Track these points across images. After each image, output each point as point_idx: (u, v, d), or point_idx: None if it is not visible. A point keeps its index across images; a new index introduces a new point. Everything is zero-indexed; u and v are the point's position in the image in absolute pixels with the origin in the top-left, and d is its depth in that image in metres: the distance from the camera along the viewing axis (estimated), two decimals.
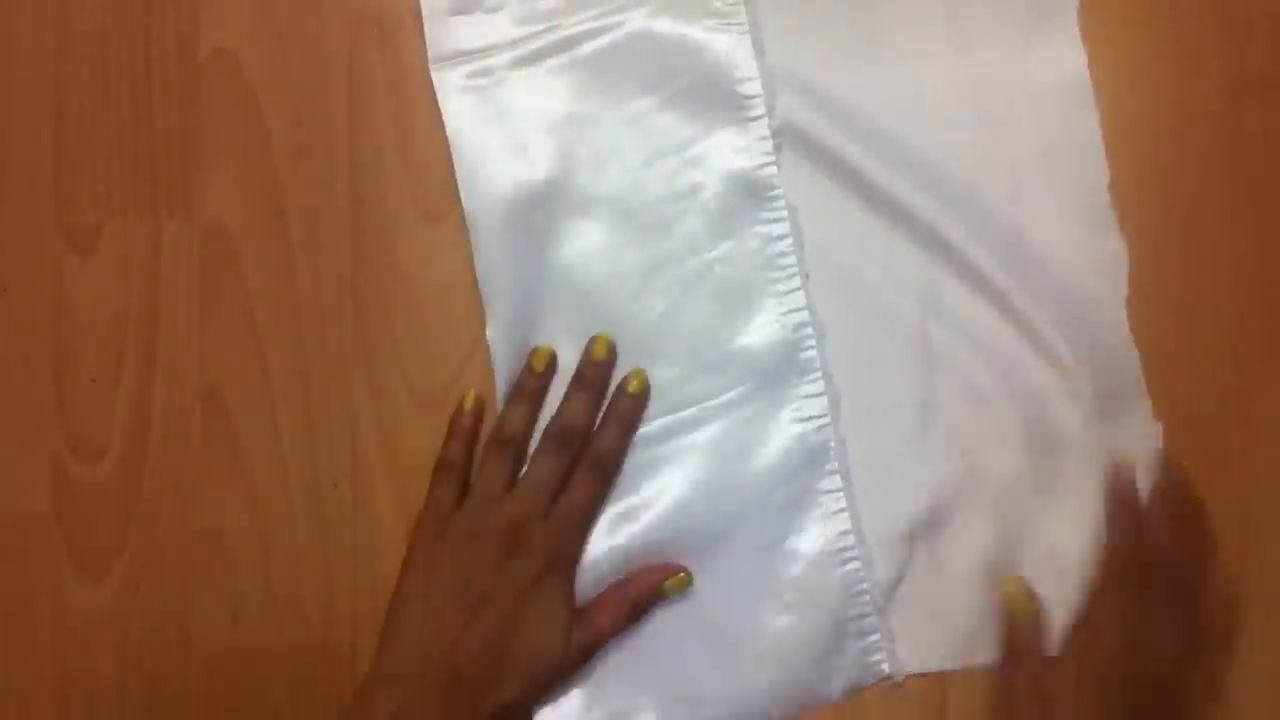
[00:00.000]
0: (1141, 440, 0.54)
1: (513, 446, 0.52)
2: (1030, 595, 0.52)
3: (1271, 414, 0.54)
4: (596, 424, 0.53)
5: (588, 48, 0.55)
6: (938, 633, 0.53)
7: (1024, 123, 0.55)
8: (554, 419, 0.53)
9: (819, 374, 0.54)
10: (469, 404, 0.54)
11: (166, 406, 0.54)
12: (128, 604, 0.54)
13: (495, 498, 0.52)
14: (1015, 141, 0.55)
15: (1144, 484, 0.53)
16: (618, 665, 0.52)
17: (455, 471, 0.53)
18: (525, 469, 0.53)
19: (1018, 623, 0.51)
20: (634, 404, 0.53)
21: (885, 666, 0.52)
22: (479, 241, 0.54)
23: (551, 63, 0.55)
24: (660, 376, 0.54)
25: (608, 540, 0.53)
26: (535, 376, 0.53)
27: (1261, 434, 0.54)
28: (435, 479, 0.53)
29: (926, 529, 0.53)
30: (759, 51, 0.55)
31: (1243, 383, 0.54)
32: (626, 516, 0.53)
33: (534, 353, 0.53)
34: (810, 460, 0.53)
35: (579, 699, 0.52)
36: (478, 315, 0.54)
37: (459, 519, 0.51)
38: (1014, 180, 0.55)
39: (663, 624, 0.52)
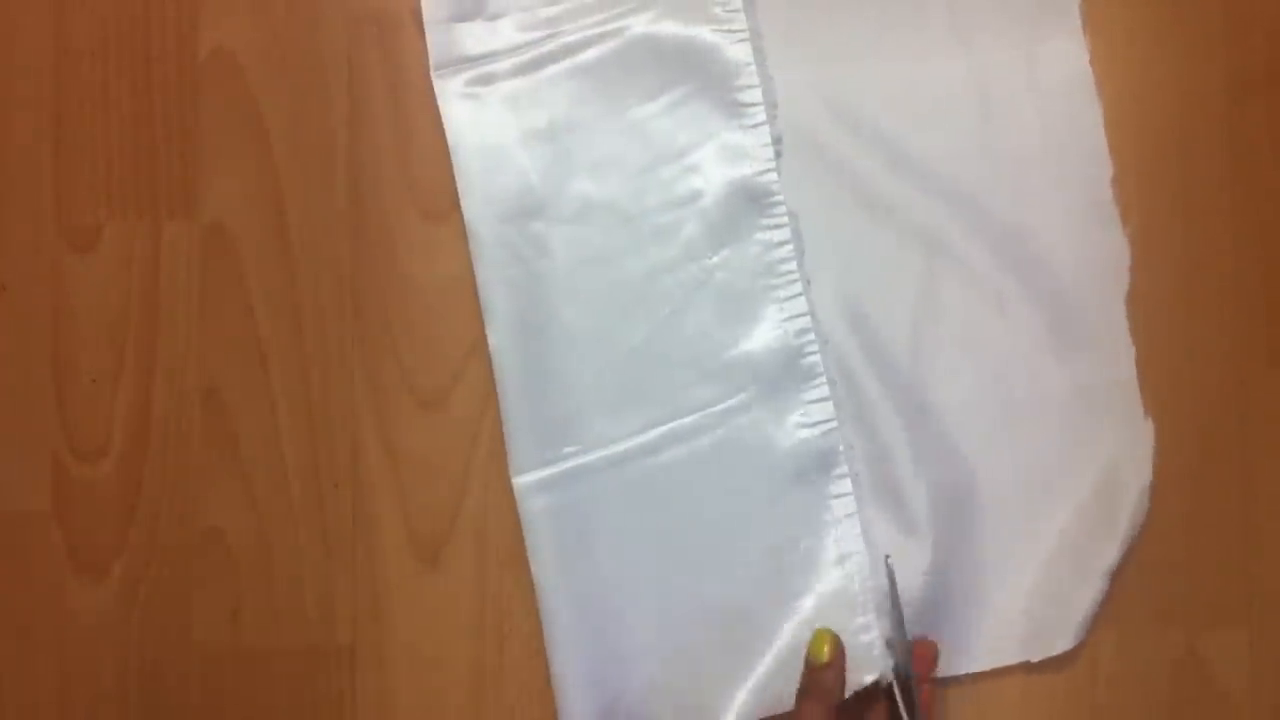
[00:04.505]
0: (1133, 439, 0.54)
1: None
2: (832, 642, 0.50)
3: (1272, 413, 0.54)
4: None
5: (589, 55, 0.55)
6: (946, 636, 0.53)
7: (1027, 120, 0.55)
8: None
9: (823, 379, 0.53)
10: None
11: (166, 406, 0.54)
12: (128, 604, 0.54)
13: None
14: (1018, 139, 0.55)
15: (1139, 483, 0.53)
16: (636, 674, 0.52)
17: None
18: None
19: (812, 663, 0.50)
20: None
21: (896, 671, 0.52)
22: (479, 249, 0.54)
23: (552, 70, 0.55)
24: (662, 383, 0.54)
25: (613, 547, 0.53)
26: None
27: (1261, 434, 0.54)
28: None
29: (932, 532, 0.53)
30: (760, 58, 0.55)
31: (1243, 382, 0.54)
32: (633, 527, 0.53)
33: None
34: (818, 465, 0.53)
35: (600, 708, 0.52)
36: (478, 315, 0.54)
37: None
38: (1017, 177, 0.55)
39: (674, 634, 0.52)
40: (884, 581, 0.52)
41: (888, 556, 0.52)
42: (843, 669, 0.50)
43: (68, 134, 0.55)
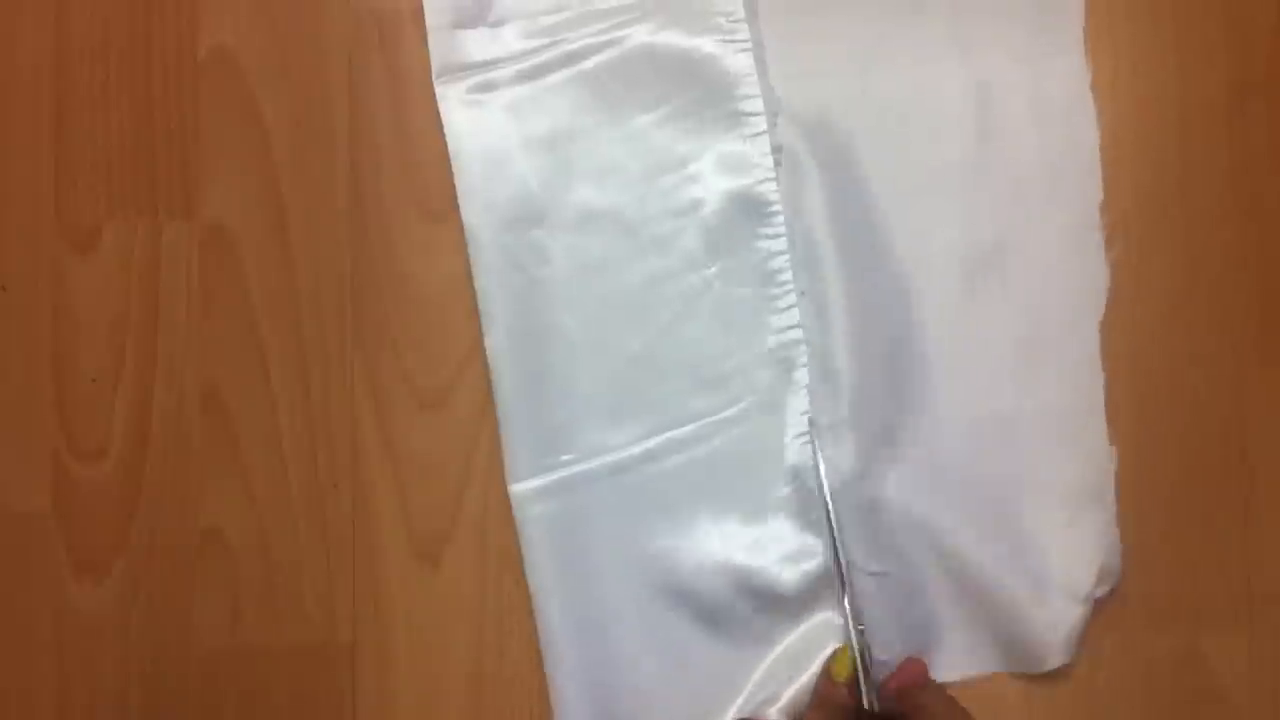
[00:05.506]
0: (1097, 463, 0.54)
1: None
2: (855, 662, 0.51)
3: (1271, 417, 0.54)
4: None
5: (591, 63, 0.55)
6: (931, 651, 0.53)
7: (1025, 137, 0.55)
8: None
9: (816, 390, 0.54)
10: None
11: (166, 406, 0.54)
12: (128, 604, 0.54)
13: None
14: (1015, 156, 0.55)
15: (1107, 506, 0.53)
16: (632, 681, 0.53)
17: None
18: None
19: (832, 676, 0.51)
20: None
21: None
22: (479, 255, 0.54)
23: (554, 77, 0.55)
24: (660, 392, 0.54)
25: (608, 555, 0.53)
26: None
27: (1261, 438, 0.54)
28: None
29: (915, 548, 0.53)
30: (761, 69, 0.55)
31: (1241, 382, 0.54)
32: (630, 535, 0.53)
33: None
34: (810, 476, 0.53)
35: (596, 715, 0.52)
36: (478, 315, 0.54)
37: None
38: (1011, 194, 0.55)
39: (671, 642, 0.53)
40: (870, 596, 0.52)
41: (847, 582, 0.52)
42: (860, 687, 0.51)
43: (68, 134, 0.55)
